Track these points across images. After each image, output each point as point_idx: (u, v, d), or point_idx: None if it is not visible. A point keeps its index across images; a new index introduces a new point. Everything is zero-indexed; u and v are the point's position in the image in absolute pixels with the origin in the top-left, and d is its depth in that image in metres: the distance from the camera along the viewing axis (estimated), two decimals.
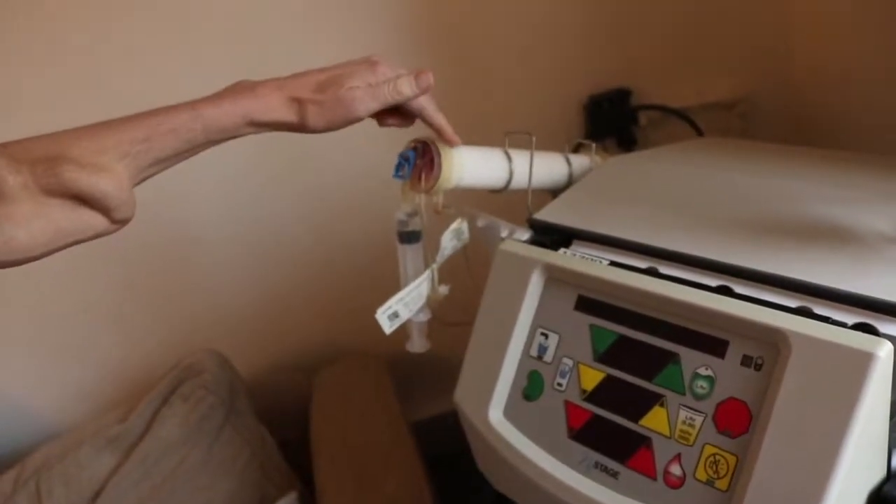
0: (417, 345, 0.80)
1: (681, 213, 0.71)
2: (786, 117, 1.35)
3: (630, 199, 0.76)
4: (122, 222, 0.58)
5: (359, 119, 0.67)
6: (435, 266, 0.77)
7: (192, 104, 0.62)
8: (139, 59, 1.17)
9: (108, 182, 0.55)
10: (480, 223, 0.81)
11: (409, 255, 0.77)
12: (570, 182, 0.86)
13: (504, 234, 0.78)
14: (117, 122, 0.58)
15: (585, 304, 0.66)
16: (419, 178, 0.74)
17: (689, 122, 1.33)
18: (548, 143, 1.32)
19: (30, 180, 0.53)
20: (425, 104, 0.72)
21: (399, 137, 0.76)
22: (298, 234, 1.35)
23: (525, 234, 0.76)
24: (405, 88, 0.68)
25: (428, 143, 0.73)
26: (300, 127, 0.66)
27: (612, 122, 1.32)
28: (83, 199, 0.55)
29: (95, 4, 1.13)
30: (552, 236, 0.74)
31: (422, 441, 1.27)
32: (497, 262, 0.73)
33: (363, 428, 1.23)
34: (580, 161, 0.88)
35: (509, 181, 0.80)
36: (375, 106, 0.67)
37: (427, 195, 0.75)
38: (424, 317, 0.79)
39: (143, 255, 1.31)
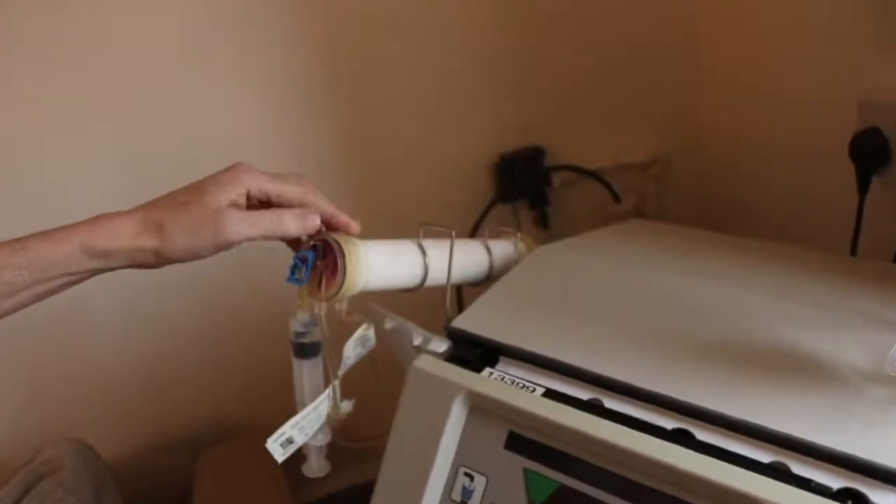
0: (315, 468, 0.68)
1: (625, 326, 0.62)
2: (697, 179, 1.31)
3: (564, 305, 0.67)
4: None
5: (229, 245, 0.57)
6: (336, 382, 0.65)
7: (19, 238, 0.51)
8: None
9: None
10: (388, 325, 0.70)
11: (305, 370, 0.65)
12: (490, 273, 0.76)
13: (417, 341, 0.67)
14: None
15: (518, 443, 0.56)
16: (319, 284, 0.62)
17: (605, 184, 1.27)
18: (455, 208, 1.25)
19: None
20: (309, 195, 0.62)
21: None
22: (183, 303, 1.20)
23: (442, 345, 0.65)
24: (290, 226, 0.59)
25: (329, 243, 0.61)
26: (157, 254, 0.56)
27: (523, 183, 1.24)
28: None
29: None
30: (475, 350, 0.63)
31: None
32: (411, 382, 0.62)
33: None
34: (502, 248, 0.78)
35: (424, 279, 0.69)
36: (251, 234, 0.58)
37: (328, 302, 0.63)
38: (324, 439, 0.67)
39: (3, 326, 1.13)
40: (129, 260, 0.56)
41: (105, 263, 0.55)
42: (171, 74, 1.07)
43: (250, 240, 0.58)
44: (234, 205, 0.58)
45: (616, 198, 1.27)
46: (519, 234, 0.80)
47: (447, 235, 0.71)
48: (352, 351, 0.68)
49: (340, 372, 0.67)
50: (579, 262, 0.73)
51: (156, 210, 0.56)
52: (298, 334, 0.64)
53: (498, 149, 1.24)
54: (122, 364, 1.22)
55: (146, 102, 1.07)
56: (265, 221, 0.58)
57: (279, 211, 0.59)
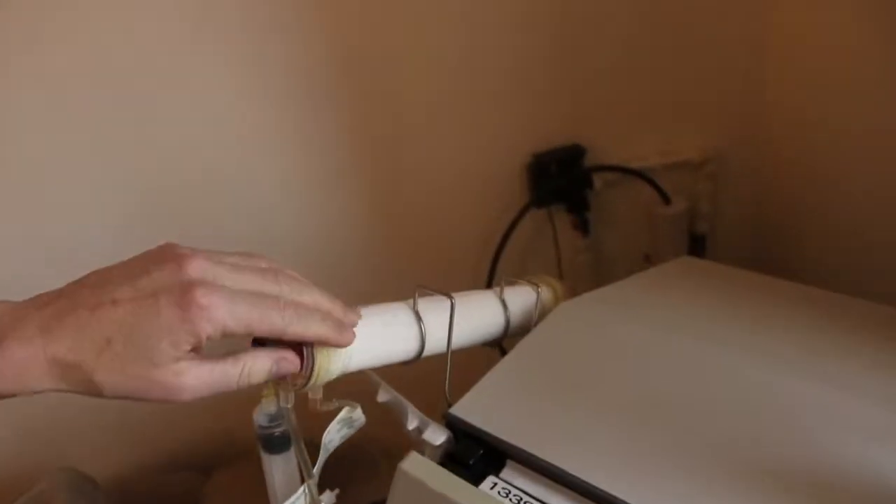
0: None
1: (668, 432, 0.49)
2: (758, 179, 1.15)
3: (589, 393, 0.54)
4: None
5: (176, 401, 0.43)
6: (313, 480, 0.54)
7: None
8: None
9: None
10: (381, 398, 0.59)
11: (276, 466, 0.54)
12: (506, 331, 0.64)
13: (411, 425, 0.56)
14: None
15: None
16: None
17: (653, 185, 1.12)
18: (485, 215, 1.13)
19: None
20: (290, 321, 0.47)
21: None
22: None
23: (440, 436, 0.54)
24: (258, 373, 0.46)
25: None
26: (83, 394, 0.43)
27: (561, 185, 1.11)
28: None
29: None
30: (478, 450, 0.52)
31: None
32: (398, 487, 0.51)
33: None
34: (521, 300, 0.66)
35: (421, 351, 0.57)
36: (209, 394, 0.44)
37: (298, 391, 0.52)
38: None
39: None
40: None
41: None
42: (173, 72, 0.96)
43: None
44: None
45: (665, 200, 1.13)
46: (540, 284, 0.67)
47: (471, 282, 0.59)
48: (336, 434, 0.57)
49: (320, 461, 0.56)
50: (610, 329, 0.60)
51: (78, 350, 0.42)
52: (263, 427, 0.53)
53: (531, 148, 1.10)
54: None
55: (145, 104, 0.96)
56: (232, 380, 0.45)
57: (244, 358, 0.46)
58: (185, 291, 0.42)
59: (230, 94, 0.98)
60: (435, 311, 0.58)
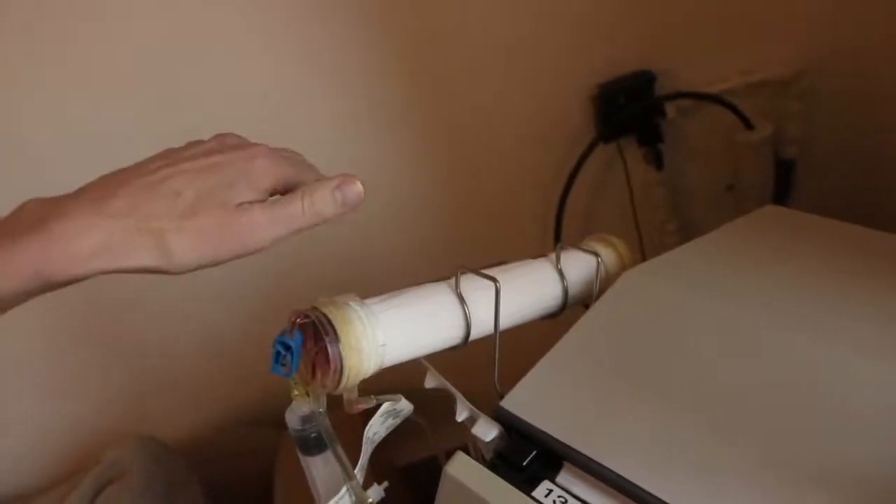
0: None
1: (751, 433, 0.42)
2: (856, 97, 1.02)
3: (667, 386, 0.47)
4: None
5: (257, 251, 0.43)
6: (355, 481, 0.50)
7: None
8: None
9: None
10: (429, 384, 0.54)
11: (315, 468, 0.50)
12: (565, 304, 0.58)
13: (461, 417, 0.51)
14: None
15: None
16: (313, 372, 0.46)
17: (732, 110, 1.02)
18: (549, 154, 1.04)
19: None
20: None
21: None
22: (257, 266, 1.09)
23: (491, 431, 0.48)
24: (326, 207, 0.45)
25: (317, 324, 0.45)
26: (159, 271, 0.41)
27: (630, 116, 1.02)
28: None
29: None
30: (531, 450, 0.46)
31: (417, 486, 1.07)
32: (444, 490, 0.47)
33: None
34: (579, 270, 0.59)
35: (467, 336, 0.52)
36: (283, 234, 0.44)
37: (330, 393, 0.47)
38: None
39: (78, 298, 1.06)
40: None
41: (59, 285, 0.41)
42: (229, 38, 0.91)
43: (282, 240, 0.44)
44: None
45: (748, 125, 1.03)
46: (603, 247, 0.60)
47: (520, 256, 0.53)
48: (380, 426, 0.53)
49: (364, 456, 0.52)
50: (681, 304, 0.52)
51: (151, 217, 0.41)
52: (297, 430, 0.48)
53: (596, 78, 1.01)
54: (192, 337, 1.14)
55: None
56: (295, 213, 0.44)
57: (307, 190, 0.45)
58: (250, 149, 0.45)
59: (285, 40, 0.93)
60: (479, 290, 0.52)
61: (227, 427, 1.23)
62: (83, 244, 0.39)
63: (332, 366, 0.45)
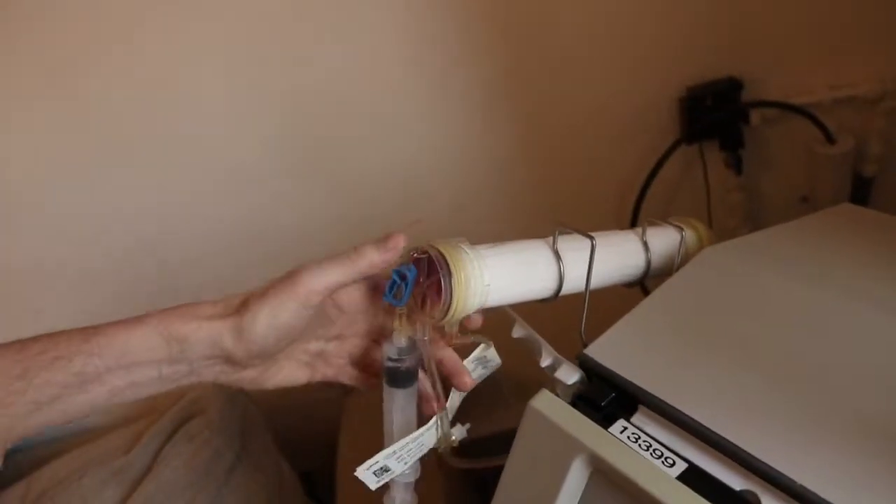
0: (399, 501, 0.59)
1: (815, 393, 0.47)
2: None
3: (730, 344, 0.52)
4: None
5: (311, 300, 0.51)
6: (445, 413, 0.56)
7: (89, 326, 0.47)
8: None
9: None
10: (516, 334, 0.59)
11: (398, 400, 0.56)
12: (646, 273, 0.63)
13: (545, 363, 0.56)
14: None
15: None
16: (423, 304, 0.52)
17: (816, 122, 1.05)
18: (633, 149, 1.09)
19: None
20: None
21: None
22: (325, 233, 1.16)
23: (573, 375, 0.54)
24: (371, 256, 0.52)
25: (434, 260, 0.50)
26: (237, 332, 0.50)
27: (714, 120, 1.05)
28: None
29: None
30: (610, 393, 0.51)
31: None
32: (527, 424, 0.52)
33: None
34: (663, 243, 0.64)
35: (559, 290, 0.57)
36: (332, 280, 0.52)
37: (435, 324, 0.53)
38: (412, 475, 0.58)
39: (151, 253, 1.15)
40: (210, 346, 0.50)
41: (184, 352, 0.50)
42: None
43: (333, 289, 0.52)
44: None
45: (829, 138, 1.06)
46: (685, 227, 0.65)
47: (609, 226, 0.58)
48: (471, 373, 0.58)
49: (451, 401, 0.57)
50: (754, 279, 0.57)
51: (239, 295, 0.52)
52: (391, 360, 0.54)
53: (685, 80, 1.05)
54: None
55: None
56: (343, 263, 0.52)
57: (356, 247, 0.53)
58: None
59: (380, 21, 0.99)
60: (574, 251, 0.57)
61: (292, 389, 1.30)
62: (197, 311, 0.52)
63: (443, 298, 0.50)
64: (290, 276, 0.51)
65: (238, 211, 1.12)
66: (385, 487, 0.58)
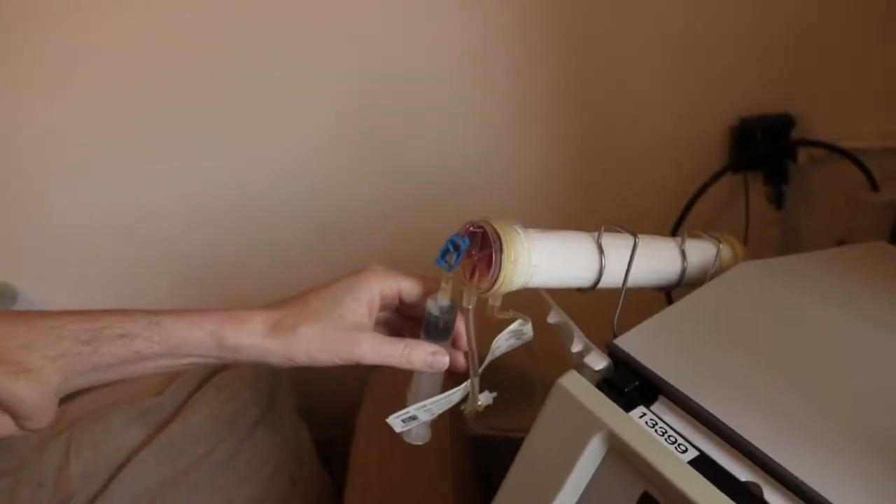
0: (415, 435, 0.64)
1: (827, 404, 0.51)
2: None
3: (753, 350, 0.56)
4: (33, 431, 0.50)
5: (352, 362, 0.57)
6: (477, 378, 0.60)
7: (153, 311, 0.53)
8: None
9: (26, 389, 0.47)
10: (551, 319, 0.63)
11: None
12: (681, 280, 0.66)
13: (576, 348, 0.60)
14: (62, 316, 0.50)
15: None
16: (471, 274, 0.56)
17: (862, 168, 1.07)
18: (681, 171, 1.12)
19: None
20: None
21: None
22: (371, 219, 1.21)
23: (601, 362, 0.57)
24: (417, 361, 0.58)
25: (489, 235, 0.55)
26: (283, 357, 0.56)
27: (762, 153, 1.08)
28: None
29: None
30: (633, 381, 0.55)
31: (480, 456, 1.15)
32: (553, 399, 0.56)
33: (407, 451, 1.10)
34: (700, 254, 0.67)
35: (597, 281, 0.61)
36: (377, 361, 0.57)
37: (481, 295, 0.57)
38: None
39: (212, 225, 1.21)
40: (258, 357, 0.56)
41: (233, 356, 0.56)
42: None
43: (376, 364, 0.58)
44: (367, 316, 0.58)
45: (874, 185, 1.08)
46: (721, 242, 0.68)
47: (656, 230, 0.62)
48: (504, 342, 0.62)
49: (487, 360, 0.61)
50: (783, 295, 0.60)
51: (290, 314, 0.57)
52: (432, 315, 0.59)
53: (739, 111, 1.08)
54: (313, 278, 1.26)
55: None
56: (395, 355, 0.58)
57: (411, 344, 0.58)
58: (363, 270, 0.60)
59: (452, 24, 1.04)
60: (617, 247, 0.61)
61: None
62: (250, 327, 0.56)
63: (492, 272, 0.54)
64: (347, 338, 0.56)
65: (299, 187, 1.18)
66: None
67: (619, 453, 0.51)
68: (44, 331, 0.49)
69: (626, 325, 0.61)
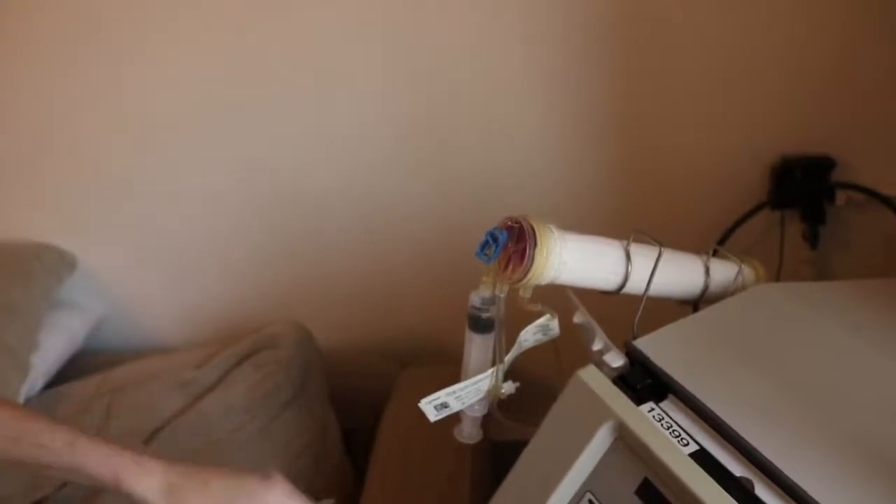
0: (466, 434, 0.69)
1: (822, 416, 0.54)
2: None
3: (762, 362, 0.59)
4: None
5: None
6: (502, 365, 0.64)
7: (79, 435, 0.63)
8: None
9: None
10: (576, 319, 0.67)
11: (476, 343, 0.65)
12: (703, 295, 0.70)
13: (596, 346, 0.64)
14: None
15: (649, 493, 0.53)
16: (506, 266, 0.61)
17: None
18: (720, 204, 1.15)
19: None
20: None
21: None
22: (419, 227, 1.26)
23: (618, 360, 0.61)
24: None
25: (525, 230, 0.59)
26: None
27: (801, 192, 1.11)
28: None
29: None
30: (646, 379, 0.59)
31: (501, 463, 1.18)
32: (570, 390, 0.60)
33: (429, 448, 1.14)
34: (723, 272, 0.71)
35: (622, 286, 0.65)
36: None
37: (512, 285, 0.61)
38: (480, 411, 0.67)
39: (268, 217, 1.28)
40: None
41: (126, 495, 0.62)
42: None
43: None
44: None
45: None
46: (745, 263, 0.72)
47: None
48: (531, 336, 0.66)
49: (512, 354, 0.66)
50: (800, 315, 0.64)
51: (188, 485, 0.62)
52: (476, 308, 0.63)
53: (781, 148, 1.11)
54: (354, 272, 1.33)
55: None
56: None
57: None
58: (268, 480, 0.64)
59: (513, 42, 1.09)
60: (643, 256, 0.65)
61: (360, 351, 1.40)
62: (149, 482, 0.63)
63: (525, 264, 0.59)
64: None
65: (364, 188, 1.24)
66: (456, 420, 0.67)
67: (626, 442, 0.55)
68: None
69: (645, 332, 0.65)
